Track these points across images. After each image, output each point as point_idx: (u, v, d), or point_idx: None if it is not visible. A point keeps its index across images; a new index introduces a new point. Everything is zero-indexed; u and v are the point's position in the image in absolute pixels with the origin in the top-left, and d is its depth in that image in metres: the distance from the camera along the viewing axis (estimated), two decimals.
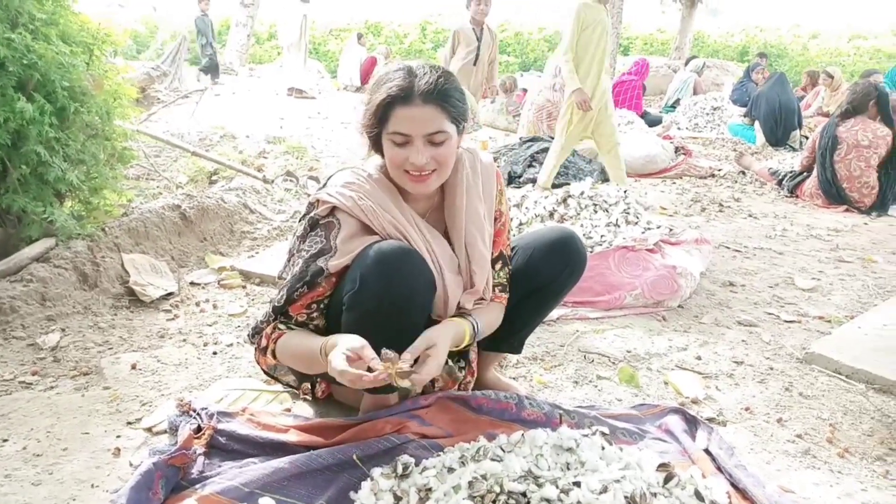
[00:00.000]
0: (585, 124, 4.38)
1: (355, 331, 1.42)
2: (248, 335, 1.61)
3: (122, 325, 2.27)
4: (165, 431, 1.64)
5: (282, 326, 1.51)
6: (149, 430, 1.65)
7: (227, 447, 1.53)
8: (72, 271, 2.38)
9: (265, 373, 1.70)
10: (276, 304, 1.51)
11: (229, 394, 1.80)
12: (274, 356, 1.53)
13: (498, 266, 1.68)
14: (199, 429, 1.56)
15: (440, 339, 1.42)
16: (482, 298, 1.65)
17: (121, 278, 2.53)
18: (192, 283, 2.69)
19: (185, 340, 2.20)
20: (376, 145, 1.50)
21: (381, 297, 1.37)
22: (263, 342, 1.54)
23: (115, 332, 2.22)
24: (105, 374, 1.92)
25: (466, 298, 1.60)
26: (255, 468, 1.41)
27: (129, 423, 1.69)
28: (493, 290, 1.67)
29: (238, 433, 1.54)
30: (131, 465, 1.51)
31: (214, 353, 2.11)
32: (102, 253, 2.54)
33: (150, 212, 2.92)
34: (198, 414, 1.62)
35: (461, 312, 1.60)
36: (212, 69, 11.07)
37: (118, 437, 1.62)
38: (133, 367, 1.97)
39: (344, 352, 1.29)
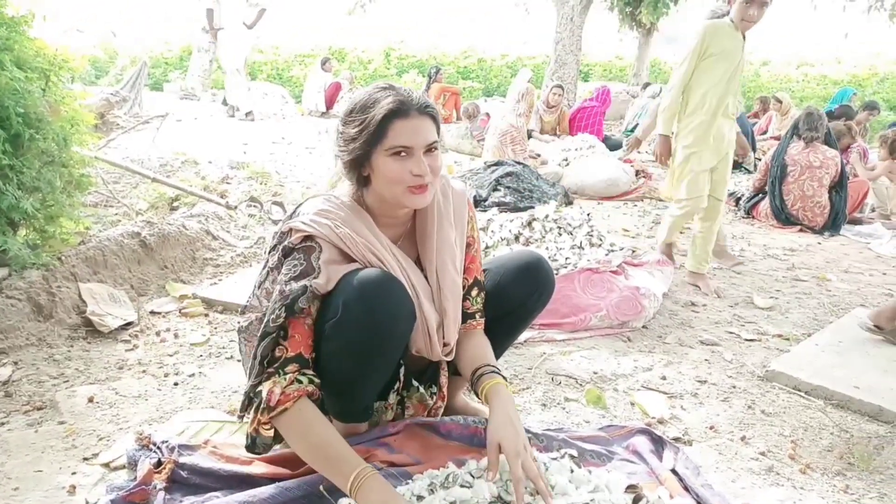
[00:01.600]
0: (701, 183, 3.28)
1: (336, 361, 1.40)
2: (242, 404, 1.40)
3: (78, 357, 2.20)
4: (124, 466, 1.58)
5: (302, 380, 1.35)
6: (106, 465, 1.59)
7: (189, 481, 1.48)
8: (25, 302, 2.31)
9: (250, 442, 1.41)
10: (261, 343, 1.37)
11: (191, 426, 1.76)
12: (279, 414, 1.33)
13: (475, 292, 1.67)
14: (159, 463, 1.51)
15: (504, 436, 1.40)
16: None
17: (77, 308, 2.45)
18: (152, 312, 2.62)
19: (144, 371, 2.14)
20: (355, 170, 1.47)
21: (364, 326, 1.34)
22: (275, 397, 1.32)
23: (71, 364, 2.14)
24: (60, 409, 1.86)
25: (451, 332, 1.58)
26: (219, 502, 1.37)
27: (85, 458, 1.63)
28: (475, 317, 1.66)
29: (200, 466, 1.50)
30: (87, 502, 1.45)
31: (175, 384, 2.06)
32: (58, 283, 2.46)
33: (109, 239, 2.85)
34: (158, 447, 1.57)
35: (485, 371, 1.55)
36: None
37: (74, 473, 1.56)
38: (90, 400, 1.91)
39: None
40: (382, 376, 1.50)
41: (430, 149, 1.44)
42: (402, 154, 1.41)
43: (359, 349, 1.37)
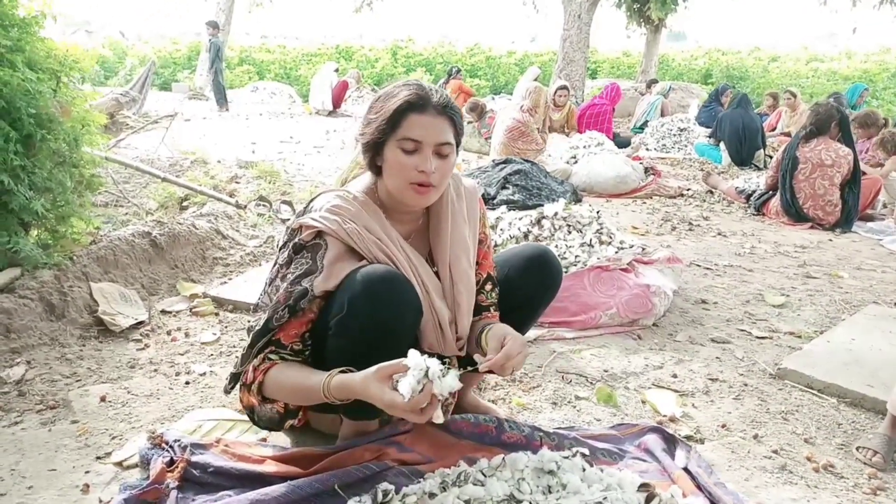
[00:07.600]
0: None
1: (341, 356, 1.40)
2: (227, 383, 1.55)
3: (90, 357, 2.21)
4: (136, 465, 1.59)
5: (273, 357, 1.45)
6: (119, 464, 1.60)
7: (202, 480, 1.49)
8: (38, 302, 2.32)
9: (248, 417, 1.57)
10: (255, 330, 1.45)
11: (203, 424, 1.76)
12: (259, 391, 1.46)
13: (488, 287, 1.70)
14: (171, 462, 1.52)
15: (507, 328, 1.45)
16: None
17: (89, 308, 2.47)
18: (163, 312, 2.63)
19: (156, 370, 2.15)
20: (373, 159, 1.50)
21: (369, 322, 1.36)
22: (250, 376, 1.46)
23: (83, 363, 2.16)
24: (73, 408, 1.87)
25: (464, 326, 1.60)
26: (231, 501, 1.37)
27: (98, 457, 1.63)
28: (489, 310, 1.69)
29: (212, 465, 1.50)
30: (101, 501, 1.46)
31: (187, 383, 2.06)
32: (70, 282, 2.48)
33: (120, 239, 2.86)
34: (170, 446, 1.57)
35: (487, 322, 1.60)
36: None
37: (87, 472, 1.57)
38: (102, 399, 1.92)
39: (383, 384, 1.26)
40: None
41: (441, 149, 1.45)
42: (412, 147, 1.43)
43: (364, 345, 1.38)
